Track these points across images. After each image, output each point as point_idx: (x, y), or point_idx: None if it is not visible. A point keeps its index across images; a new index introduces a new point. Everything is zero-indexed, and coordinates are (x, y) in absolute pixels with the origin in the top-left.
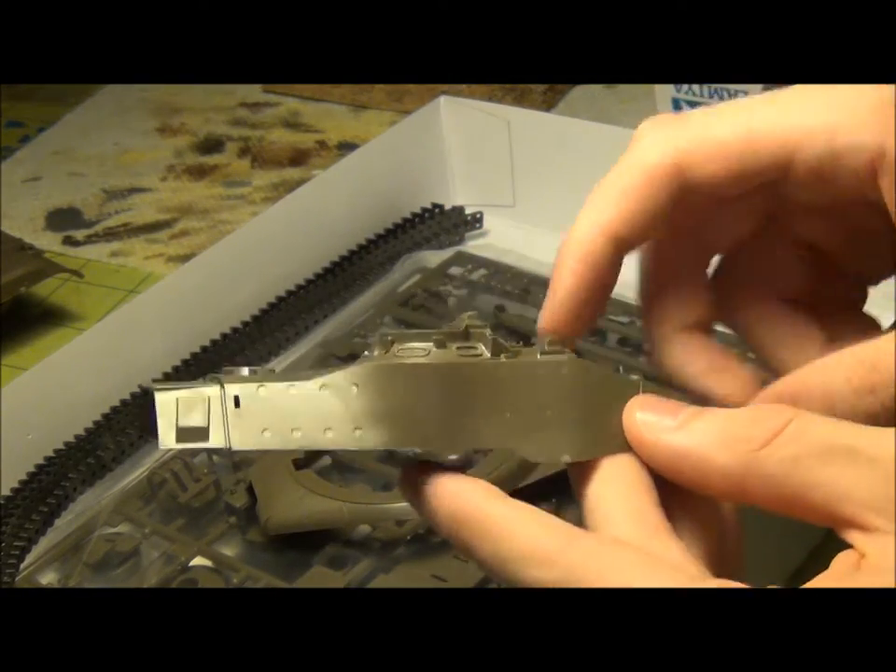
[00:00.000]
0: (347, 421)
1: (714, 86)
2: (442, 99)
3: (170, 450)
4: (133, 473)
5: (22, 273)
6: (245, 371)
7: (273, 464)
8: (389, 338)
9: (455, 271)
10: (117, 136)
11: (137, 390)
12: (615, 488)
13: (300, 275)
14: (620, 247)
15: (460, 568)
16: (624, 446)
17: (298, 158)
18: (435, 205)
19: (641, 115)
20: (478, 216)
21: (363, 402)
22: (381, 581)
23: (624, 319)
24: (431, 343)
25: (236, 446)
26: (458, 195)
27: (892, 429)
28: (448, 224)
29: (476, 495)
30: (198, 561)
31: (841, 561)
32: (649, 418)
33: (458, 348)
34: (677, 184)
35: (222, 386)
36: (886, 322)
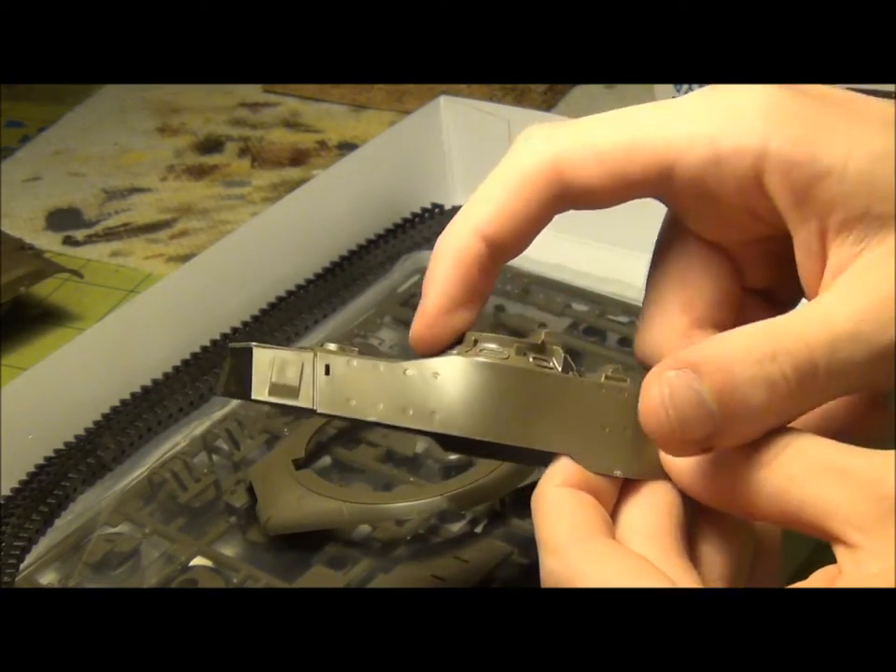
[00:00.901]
0: (426, 404)
1: None
2: (442, 99)
3: (260, 401)
4: (133, 473)
5: (22, 273)
6: (334, 346)
7: (273, 464)
8: (473, 337)
9: None
10: (117, 136)
11: (138, 390)
12: (640, 509)
13: (300, 275)
14: (493, 250)
15: (460, 568)
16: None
17: (298, 158)
18: (435, 205)
19: None
20: None
21: (443, 391)
22: (381, 581)
23: (624, 319)
24: (512, 349)
25: (321, 409)
26: (458, 195)
27: (885, 452)
28: (448, 224)
29: (547, 479)
30: (198, 561)
31: (819, 575)
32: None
33: (534, 358)
34: (554, 189)
35: (315, 354)
36: None
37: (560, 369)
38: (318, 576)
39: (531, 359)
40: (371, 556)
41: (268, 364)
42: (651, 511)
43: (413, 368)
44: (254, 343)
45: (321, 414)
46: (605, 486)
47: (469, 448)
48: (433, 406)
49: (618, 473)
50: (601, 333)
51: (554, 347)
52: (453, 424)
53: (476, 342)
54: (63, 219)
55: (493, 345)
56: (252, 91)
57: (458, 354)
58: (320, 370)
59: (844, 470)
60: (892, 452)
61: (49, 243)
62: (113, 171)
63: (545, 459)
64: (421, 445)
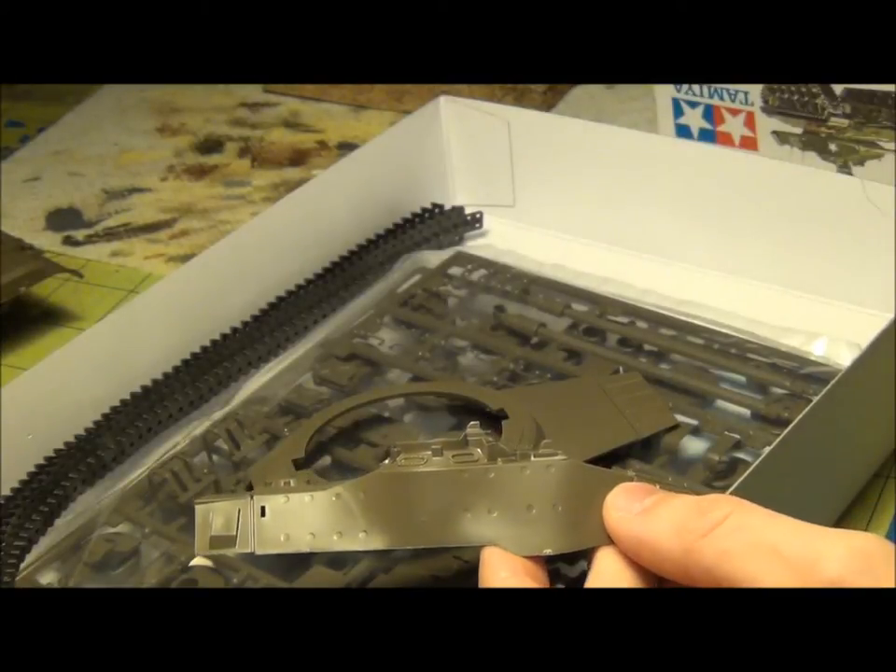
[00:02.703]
0: (355, 525)
1: (714, 86)
2: (442, 99)
3: (205, 556)
4: (133, 473)
5: (22, 273)
6: (281, 483)
7: (273, 464)
8: (397, 448)
9: (454, 271)
10: (117, 136)
11: (138, 390)
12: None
13: (300, 275)
14: None
15: (460, 568)
16: (605, 538)
17: (298, 158)
18: (435, 205)
19: (641, 115)
20: (478, 216)
21: (369, 508)
22: (381, 581)
23: (624, 319)
24: (428, 452)
25: (259, 551)
26: (458, 195)
27: (819, 529)
28: (448, 224)
29: (491, 572)
30: (198, 561)
31: None
32: (619, 503)
33: (454, 456)
34: None
35: (251, 498)
36: (885, 322)
37: (486, 458)
38: (318, 576)
39: (451, 457)
40: (370, 556)
41: (206, 518)
42: (616, 571)
43: (344, 491)
44: (195, 501)
45: (262, 555)
46: (541, 566)
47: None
48: (363, 525)
49: (548, 552)
50: (601, 333)
51: (478, 439)
52: (380, 539)
53: (399, 452)
54: (63, 219)
55: (412, 453)
56: (252, 91)
57: (381, 468)
58: (256, 512)
59: (775, 549)
60: (827, 529)
61: (49, 243)
62: (113, 171)
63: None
64: None
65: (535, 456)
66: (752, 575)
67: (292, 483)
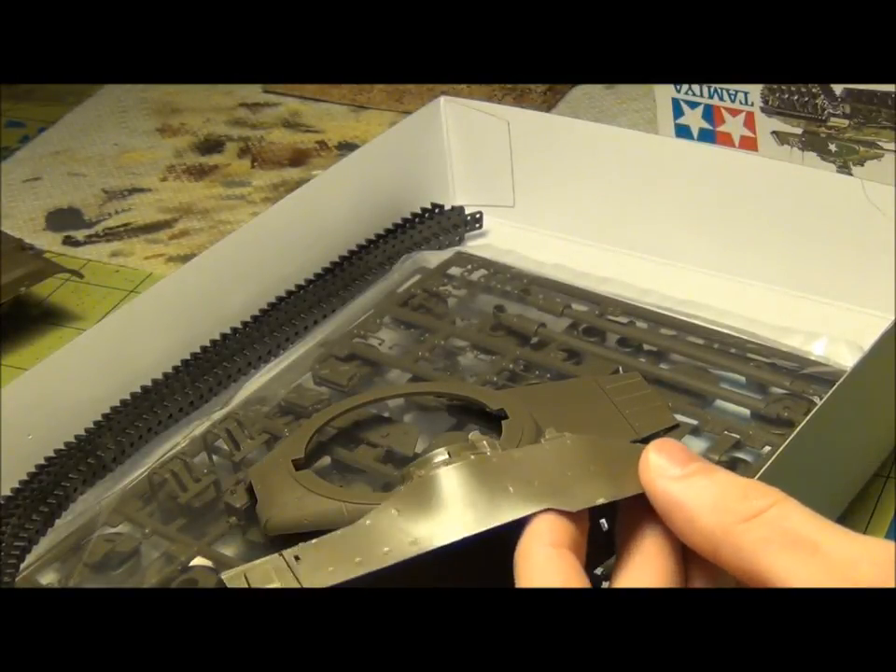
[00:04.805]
0: (401, 538)
1: (714, 86)
2: (442, 99)
3: None
4: (133, 473)
5: (22, 273)
6: (300, 546)
7: (272, 464)
8: (410, 469)
9: (454, 271)
10: (117, 136)
11: (138, 390)
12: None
13: (300, 275)
14: None
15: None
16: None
17: (298, 158)
18: (435, 205)
19: (641, 115)
20: (478, 216)
21: (407, 520)
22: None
23: (624, 319)
24: (446, 455)
25: (306, 584)
26: (458, 195)
27: (863, 537)
28: (448, 224)
29: (534, 537)
30: (198, 561)
31: None
32: (660, 461)
33: (471, 453)
34: None
35: (280, 554)
36: (885, 322)
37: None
38: None
39: (469, 455)
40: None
41: (242, 583)
42: (649, 580)
43: (373, 518)
44: (222, 575)
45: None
46: (581, 543)
47: (469, 559)
48: (410, 537)
49: (601, 501)
50: (601, 333)
51: (484, 441)
52: (432, 541)
53: (412, 471)
54: (63, 219)
55: (426, 467)
56: (252, 91)
57: (404, 486)
58: (290, 560)
59: (815, 545)
60: (869, 538)
61: (49, 243)
62: (113, 171)
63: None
64: (421, 445)
65: (545, 440)
66: (787, 569)
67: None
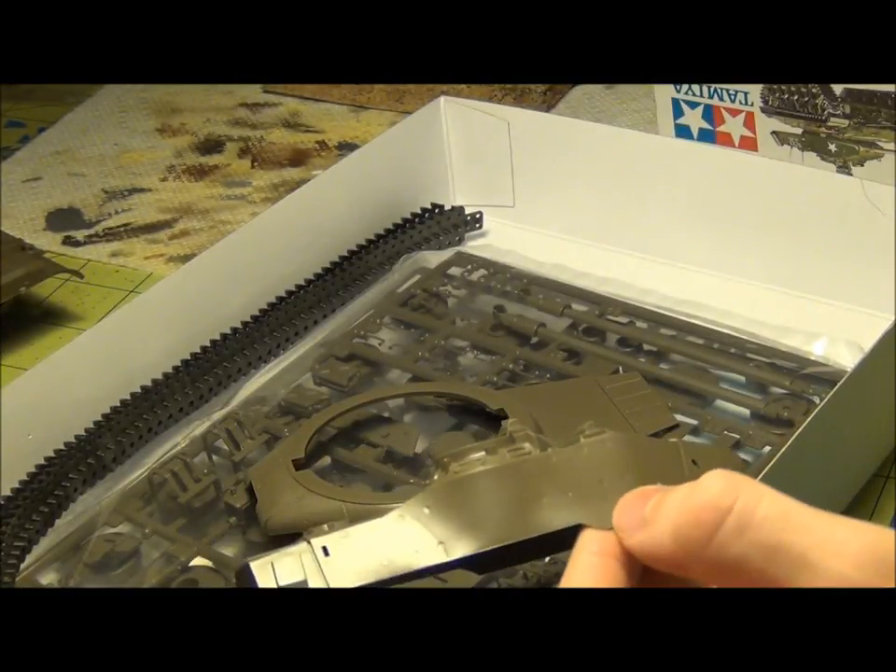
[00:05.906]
0: (430, 539)
1: (714, 86)
2: (442, 99)
3: None
4: (133, 473)
5: (22, 273)
6: (325, 527)
7: (273, 464)
8: (445, 459)
9: (454, 271)
10: (117, 136)
11: (138, 390)
12: None
13: (300, 275)
14: None
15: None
16: None
17: (298, 158)
18: (435, 205)
19: (641, 115)
20: (478, 216)
21: (438, 519)
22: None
23: (624, 319)
24: (483, 453)
25: (334, 585)
26: (458, 195)
27: (816, 524)
28: (448, 224)
29: (584, 546)
30: (198, 561)
31: None
32: (620, 521)
33: (509, 451)
34: None
35: (309, 543)
36: (885, 322)
37: (538, 449)
38: None
39: (507, 454)
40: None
41: (267, 573)
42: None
43: (404, 512)
44: (249, 560)
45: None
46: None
47: (495, 561)
48: (439, 537)
49: None
50: (601, 333)
51: (522, 433)
52: (461, 546)
53: (449, 462)
54: (63, 219)
55: (466, 458)
56: (252, 91)
57: (437, 481)
58: (319, 554)
59: (805, 560)
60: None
61: (49, 243)
62: (113, 171)
63: (568, 541)
64: (421, 445)
65: (584, 437)
66: (777, 574)
67: (336, 527)
